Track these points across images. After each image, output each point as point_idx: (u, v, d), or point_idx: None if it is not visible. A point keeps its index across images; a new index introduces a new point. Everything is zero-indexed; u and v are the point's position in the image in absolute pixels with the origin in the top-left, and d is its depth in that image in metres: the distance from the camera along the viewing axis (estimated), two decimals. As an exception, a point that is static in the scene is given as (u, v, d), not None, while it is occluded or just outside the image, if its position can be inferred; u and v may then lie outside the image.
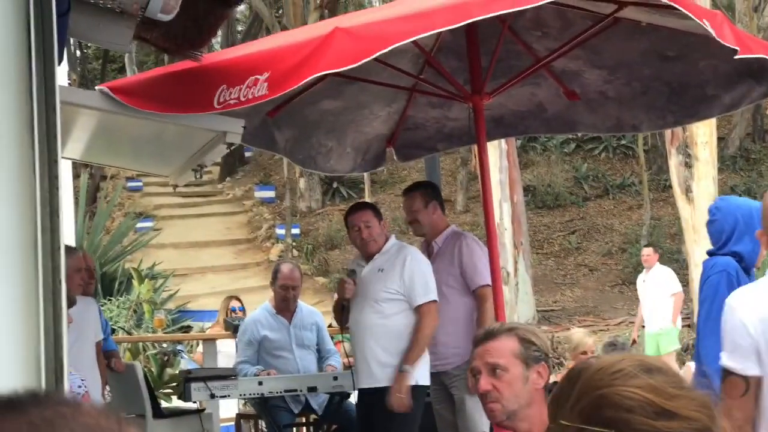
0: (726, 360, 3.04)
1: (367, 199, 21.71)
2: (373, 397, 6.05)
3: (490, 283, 5.98)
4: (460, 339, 6.14)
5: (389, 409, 5.88)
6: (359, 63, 4.31)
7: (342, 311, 6.28)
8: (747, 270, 5.02)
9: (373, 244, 6.16)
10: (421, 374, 5.99)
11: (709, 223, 5.21)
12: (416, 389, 5.95)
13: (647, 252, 14.45)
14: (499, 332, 3.17)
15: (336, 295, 6.51)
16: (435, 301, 6.02)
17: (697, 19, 4.55)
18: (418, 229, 6.57)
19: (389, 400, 5.86)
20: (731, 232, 5.04)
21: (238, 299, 10.39)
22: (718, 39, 4.64)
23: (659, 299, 13.73)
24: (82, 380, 5.56)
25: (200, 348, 10.43)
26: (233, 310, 9.77)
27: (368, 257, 6.19)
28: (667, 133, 15.25)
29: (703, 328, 5.01)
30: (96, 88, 4.89)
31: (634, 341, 13.95)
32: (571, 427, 1.56)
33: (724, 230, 5.08)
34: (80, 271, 6.57)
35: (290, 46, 4.62)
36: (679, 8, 4.61)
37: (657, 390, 1.53)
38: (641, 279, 14.32)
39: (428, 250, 6.47)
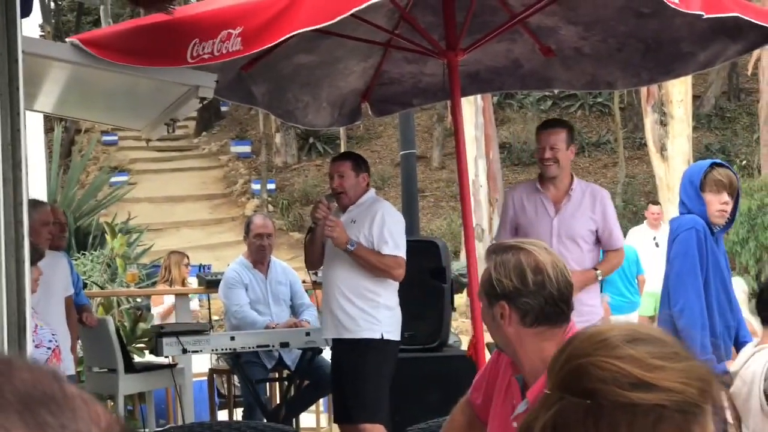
0: None
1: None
2: (342, 349, 6.05)
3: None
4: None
5: (358, 361, 5.90)
6: (335, 20, 4.26)
7: (308, 233, 6.22)
8: (711, 230, 5.07)
9: (343, 196, 6.10)
10: (390, 330, 5.98)
11: None
12: (386, 345, 5.95)
13: (657, 210, 12.86)
14: None
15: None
16: (403, 258, 5.97)
17: None
18: (555, 170, 5.77)
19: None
20: (682, 193, 5.13)
21: (187, 256, 10.50)
22: (680, 9, 4.61)
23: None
24: (53, 334, 5.53)
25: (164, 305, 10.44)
26: (204, 271, 9.67)
27: (342, 208, 6.15)
28: (643, 91, 15.25)
29: (675, 284, 5.04)
30: (67, 40, 4.84)
31: None
32: (553, 395, 1.54)
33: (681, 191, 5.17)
34: (48, 225, 6.53)
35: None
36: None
37: (636, 361, 1.48)
38: (651, 237, 12.53)
39: (555, 194, 5.84)
